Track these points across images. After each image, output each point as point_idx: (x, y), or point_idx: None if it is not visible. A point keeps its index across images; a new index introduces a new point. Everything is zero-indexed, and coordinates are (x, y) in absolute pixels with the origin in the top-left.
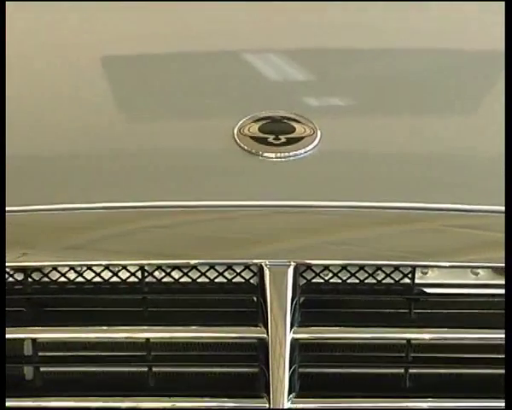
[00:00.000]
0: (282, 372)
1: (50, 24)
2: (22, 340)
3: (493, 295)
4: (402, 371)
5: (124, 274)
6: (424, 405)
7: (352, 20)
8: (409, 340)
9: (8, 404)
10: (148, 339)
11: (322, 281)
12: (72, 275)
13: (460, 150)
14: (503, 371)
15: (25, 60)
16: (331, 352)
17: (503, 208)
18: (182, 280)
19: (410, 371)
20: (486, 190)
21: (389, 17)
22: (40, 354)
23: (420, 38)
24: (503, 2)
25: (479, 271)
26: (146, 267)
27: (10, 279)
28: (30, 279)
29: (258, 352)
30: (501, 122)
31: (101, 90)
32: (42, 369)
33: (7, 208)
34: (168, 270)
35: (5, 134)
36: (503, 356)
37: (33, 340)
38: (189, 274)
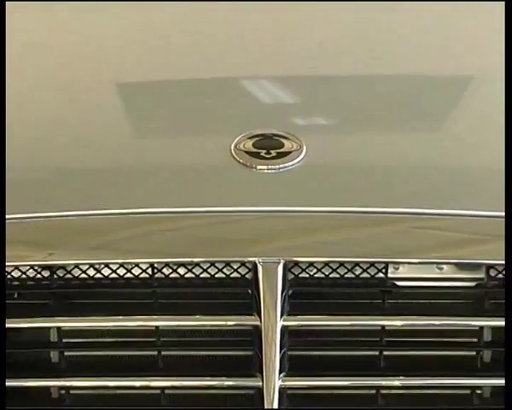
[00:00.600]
0: (273, 355)
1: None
2: (49, 329)
3: (455, 287)
4: (377, 353)
5: (136, 271)
6: (396, 382)
7: (336, 45)
8: (383, 326)
9: (37, 384)
10: (157, 327)
11: (307, 276)
12: (91, 272)
13: (429, 162)
14: (463, 352)
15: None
16: (316, 337)
17: (463, 211)
18: (186, 276)
19: (384, 353)
20: (450, 197)
21: (371, 39)
22: (64, 340)
23: (401, 59)
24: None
25: (443, 266)
26: (155, 265)
27: (38, 276)
28: (55, 276)
29: (253, 337)
30: (467, 137)
31: (111, 111)
32: (66, 353)
33: (35, 214)
34: (175, 267)
35: (5, 135)
36: (464, 339)
37: (58, 328)
38: (193, 271)
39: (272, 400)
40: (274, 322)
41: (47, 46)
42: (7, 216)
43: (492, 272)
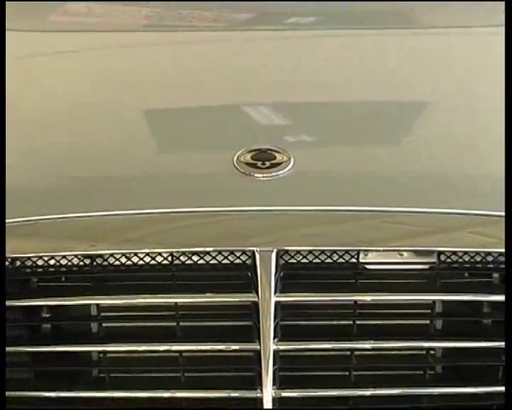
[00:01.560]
0: (268, 324)
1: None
2: (89, 305)
3: (413, 270)
4: (351, 322)
5: (159, 259)
6: (367, 345)
7: (318, 75)
8: (355, 301)
9: (81, 349)
10: (176, 303)
11: (295, 261)
12: (123, 260)
13: (397, 169)
14: (419, 321)
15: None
16: (303, 310)
17: (419, 209)
18: (199, 262)
19: (357, 322)
20: (411, 197)
21: (351, 68)
22: (102, 314)
23: (378, 84)
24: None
25: (403, 253)
26: (174, 254)
27: (81, 263)
28: (95, 263)
29: (252, 311)
30: (433, 149)
31: (133, 131)
32: (103, 324)
33: (78, 214)
34: (190, 255)
35: (5, 135)
36: (420, 311)
37: (97, 305)
38: (204, 258)
39: (268, 360)
40: (269, 298)
41: (73, 73)
42: (58, 215)
43: (442, 257)
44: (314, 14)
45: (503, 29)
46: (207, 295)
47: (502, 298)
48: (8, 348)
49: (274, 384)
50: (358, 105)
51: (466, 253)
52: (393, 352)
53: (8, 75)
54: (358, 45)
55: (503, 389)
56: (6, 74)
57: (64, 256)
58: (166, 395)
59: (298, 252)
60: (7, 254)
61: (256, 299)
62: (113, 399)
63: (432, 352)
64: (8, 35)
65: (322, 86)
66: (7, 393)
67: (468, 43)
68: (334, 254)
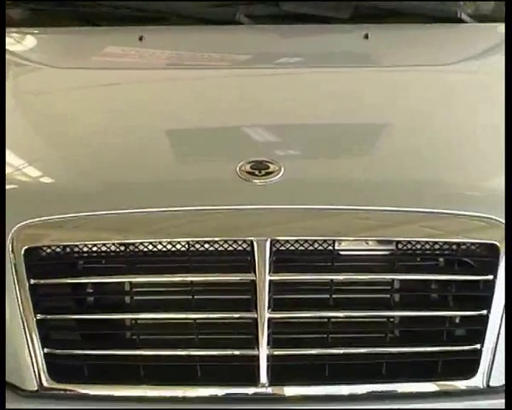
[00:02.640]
0: (263, 298)
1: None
2: (124, 282)
3: (376, 255)
4: (328, 296)
5: (178, 246)
6: (340, 314)
7: (305, 102)
8: (331, 279)
9: (117, 317)
10: (192, 281)
11: (285, 248)
12: (150, 247)
13: (366, 175)
14: (381, 295)
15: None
16: (291, 286)
17: (382, 207)
18: (210, 249)
19: (333, 296)
20: (378, 197)
21: (333, 98)
22: (133, 289)
23: (353, 107)
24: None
25: (369, 242)
26: (190, 242)
27: (117, 249)
28: (128, 249)
29: (251, 287)
30: (399, 159)
31: (159, 148)
32: (134, 297)
33: (114, 211)
34: (202, 243)
35: (5, 136)
36: (382, 287)
37: (130, 282)
38: (214, 246)
39: (263, 326)
40: (264, 277)
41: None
42: (99, 212)
43: (400, 245)
44: (299, 55)
45: (456, 65)
46: (216, 274)
47: (445, 277)
48: (59, 316)
49: (268, 345)
50: (335, 127)
51: (418, 242)
52: (361, 319)
53: (61, 102)
54: (335, 79)
55: (446, 348)
56: (60, 102)
57: (104, 244)
58: (183, 353)
59: (287, 241)
60: (60, 243)
61: (254, 278)
62: (141, 356)
63: (391, 320)
64: (61, 72)
65: (307, 112)
66: (60, 351)
67: (425, 77)
68: (315, 243)
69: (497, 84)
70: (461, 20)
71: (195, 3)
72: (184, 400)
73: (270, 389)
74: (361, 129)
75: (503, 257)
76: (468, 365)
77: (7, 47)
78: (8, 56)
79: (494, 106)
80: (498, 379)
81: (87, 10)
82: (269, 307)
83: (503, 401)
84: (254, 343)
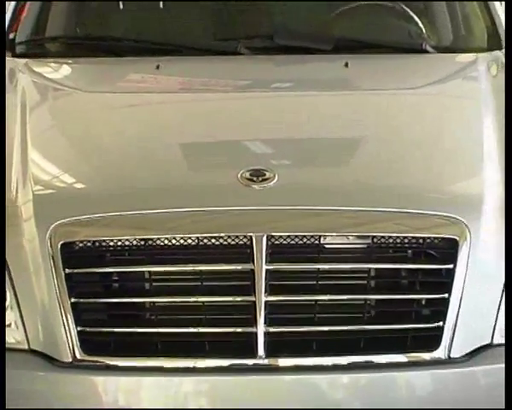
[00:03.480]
0: (261, 283)
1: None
2: (143, 271)
3: (356, 248)
4: (315, 282)
5: (189, 241)
6: (326, 297)
7: (298, 122)
8: (318, 269)
9: (138, 300)
10: (201, 270)
11: (279, 243)
12: (165, 241)
13: (350, 181)
14: (360, 281)
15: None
16: (284, 274)
17: (360, 208)
18: (216, 243)
19: (319, 282)
20: (357, 200)
21: (323, 119)
22: (152, 277)
23: (337, 124)
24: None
25: (349, 237)
26: (199, 237)
27: (138, 243)
28: (147, 243)
29: (250, 275)
30: (380, 169)
31: (172, 160)
32: (153, 284)
33: (135, 211)
34: (210, 238)
35: (5, 136)
36: (361, 275)
37: (149, 271)
38: (220, 240)
39: (261, 307)
40: (261, 267)
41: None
42: (123, 212)
43: (375, 240)
44: (290, 81)
45: (422, 89)
46: (221, 264)
47: (413, 266)
48: (90, 300)
49: (264, 323)
50: (320, 140)
51: (390, 237)
52: (343, 302)
53: (90, 121)
54: (320, 101)
55: (414, 326)
56: (89, 120)
57: (127, 239)
58: (194, 330)
59: (280, 236)
60: (91, 238)
61: (253, 267)
62: (158, 333)
63: (368, 302)
64: (91, 95)
65: (296, 128)
66: (90, 329)
67: (397, 98)
68: (304, 238)
69: (456, 103)
70: (426, 51)
71: (204, 37)
72: (195, 370)
73: (266, 361)
74: (342, 142)
75: (462, 249)
76: (432, 339)
77: (46, 75)
78: (46, 82)
79: (455, 122)
80: (458, 351)
81: (113, 44)
82: (265, 292)
83: (463, 369)
84: (253, 322)
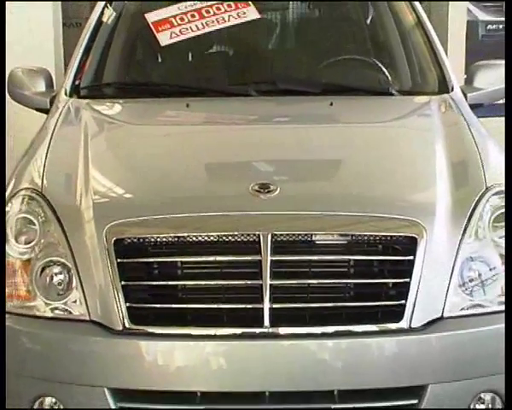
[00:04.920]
0: (266, 270)
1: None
2: (177, 261)
3: (338, 243)
4: (308, 270)
5: (210, 238)
6: (315, 281)
7: (296, 147)
8: (309, 260)
9: (173, 283)
10: (221, 260)
11: (280, 239)
12: (194, 238)
13: (338, 192)
14: (342, 269)
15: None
16: (284, 264)
17: (343, 213)
18: (231, 240)
19: (312, 270)
20: (342, 207)
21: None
22: (183, 265)
23: (327, 149)
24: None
25: (334, 235)
26: (219, 235)
27: (173, 240)
28: (179, 240)
29: (258, 264)
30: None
31: (192, 173)
32: (184, 271)
33: (169, 215)
34: (227, 236)
35: (5, 135)
36: (342, 264)
37: (181, 261)
38: (234, 238)
39: (266, 289)
40: (267, 257)
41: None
42: (160, 215)
43: (354, 237)
44: (288, 116)
45: (389, 122)
46: (236, 256)
47: (383, 258)
48: (136, 282)
49: (269, 301)
50: (312, 161)
51: (365, 235)
52: (329, 285)
53: (136, 146)
54: (311, 131)
55: (383, 303)
56: (136, 146)
57: (164, 236)
58: (215, 306)
59: (282, 234)
60: (137, 235)
61: (260, 258)
62: (188, 308)
63: (348, 285)
64: (136, 127)
65: (294, 152)
66: (136, 305)
67: (370, 129)
68: (300, 236)
69: (415, 134)
70: (391, 94)
71: (223, 83)
72: (215, 336)
73: (270, 330)
74: (328, 163)
75: (420, 244)
76: (397, 313)
77: (103, 111)
78: (103, 117)
79: (414, 147)
80: (417, 322)
81: (153, 88)
82: (270, 277)
83: (420, 336)
84: (260, 300)
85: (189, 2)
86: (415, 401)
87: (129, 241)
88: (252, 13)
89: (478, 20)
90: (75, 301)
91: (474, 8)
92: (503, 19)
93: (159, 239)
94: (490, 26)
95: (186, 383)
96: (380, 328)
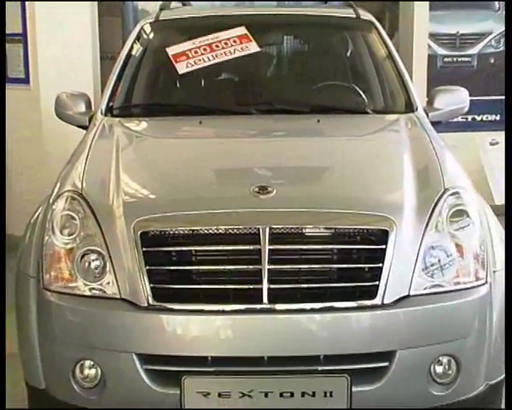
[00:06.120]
0: (265, 257)
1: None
2: (191, 250)
3: (325, 235)
4: (300, 256)
5: (219, 230)
6: (305, 266)
7: (289, 156)
8: (301, 248)
9: (187, 268)
10: (227, 249)
11: (276, 232)
12: (205, 231)
13: (322, 194)
14: (327, 256)
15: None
16: (280, 251)
17: (330, 210)
18: (236, 233)
19: (302, 256)
20: (328, 205)
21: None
22: (197, 253)
23: (315, 158)
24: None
25: (321, 228)
26: (226, 228)
27: (188, 232)
28: (193, 232)
29: (258, 252)
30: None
31: (200, 177)
32: (197, 258)
33: (185, 212)
34: (232, 228)
35: (5, 138)
36: (327, 251)
37: (195, 249)
38: (239, 230)
39: (265, 273)
40: (265, 246)
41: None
42: (178, 212)
43: (337, 230)
44: (283, 131)
45: (365, 136)
46: (240, 245)
47: (360, 246)
48: (158, 267)
49: (268, 282)
50: (303, 168)
51: (346, 228)
52: (316, 269)
53: (158, 155)
54: (301, 143)
55: (360, 284)
56: (158, 155)
57: (181, 229)
58: (223, 286)
59: (278, 228)
60: (158, 229)
61: (260, 247)
62: (201, 288)
63: (332, 269)
64: (158, 140)
65: (287, 160)
66: (158, 285)
67: (350, 142)
68: (292, 228)
69: (387, 145)
70: (367, 113)
71: (230, 104)
72: (223, 311)
73: (268, 306)
74: (316, 169)
75: (391, 236)
76: (372, 292)
77: (131, 127)
78: (131, 132)
79: (386, 157)
80: (388, 299)
81: (172, 108)
82: (268, 263)
83: (391, 310)
84: (260, 282)
85: (201, 38)
86: (386, 364)
87: (152, 233)
88: (253, 47)
89: (437, 54)
90: (108, 283)
91: (434, 45)
92: (457, 53)
93: (176, 232)
94: (446, 59)
95: (199, 349)
96: (358, 304)
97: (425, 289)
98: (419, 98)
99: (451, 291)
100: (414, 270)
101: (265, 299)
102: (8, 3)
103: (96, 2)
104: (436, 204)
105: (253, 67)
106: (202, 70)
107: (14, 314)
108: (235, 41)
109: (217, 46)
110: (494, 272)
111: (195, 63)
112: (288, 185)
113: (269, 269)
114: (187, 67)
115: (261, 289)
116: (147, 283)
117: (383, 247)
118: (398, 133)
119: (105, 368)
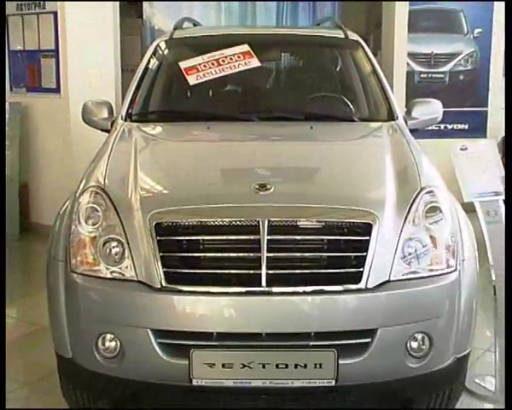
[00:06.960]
0: (264, 246)
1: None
2: (199, 239)
3: (317, 227)
4: (295, 246)
5: (223, 222)
6: (299, 254)
7: (286, 158)
8: (295, 239)
9: (195, 254)
10: (230, 239)
11: (273, 224)
12: (211, 222)
13: (316, 192)
14: (319, 246)
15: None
16: (278, 241)
17: (322, 206)
18: (238, 224)
19: (296, 246)
20: (320, 201)
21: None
22: (204, 241)
23: (309, 159)
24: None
25: (313, 221)
26: (230, 220)
27: (197, 224)
28: (201, 223)
29: (257, 242)
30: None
31: (206, 176)
32: (205, 245)
33: (193, 206)
34: (235, 221)
35: (5, 134)
36: (319, 242)
37: (203, 239)
38: (241, 222)
39: (264, 260)
40: (264, 237)
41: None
42: (188, 206)
43: (327, 223)
44: (280, 135)
45: (353, 141)
46: (241, 235)
47: (347, 237)
48: (170, 254)
49: (266, 268)
50: (297, 168)
51: (335, 221)
52: (309, 257)
53: (170, 156)
54: (296, 146)
55: (347, 270)
56: (170, 156)
57: (190, 221)
58: (226, 271)
59: (275, 220)
60: (171, 220)
61: (259, 237)
62: (207, 273)
63: (323, 257)
64: (170, 142)
65: (284, 161)
66: (170, 269)
67: (340, 146)
68: (288, 221)
69: (371, 149)
70: (354, 121)
71: (234, 111)
72: (227, 293)
73: (266, 289)
74: (310, 169)
75: (374, 228)
76: (357, 277)
77: (148, 131)
78: (147, 135)
79: (370, 159)
80: (371, 284)
81: (183, 115)
82: (266, 251)
83: (373, 294)
84: (259, 268)
85: (209, 54)
86: (368, 340)
87: (165, 224)
88: (255, 62)
89: (414, 70)
90: (127, 267)
91: (412, 62)
92: (432, 70)
93: (187, 223)
94: (422, 75)
95: (206, 325)
96: (344, 288)
97: (403, 275)
98: (399, 108)
99: (426, 277)
100: (394, 258)
101: (264, 282)
102: (43, 24)
103: (119, 22)
104: (413, 201)
105: (255, 80)
106: (210, 82)
107: (45, 294)
108: (239, 57)
109: (223, 61)
110: (463, 260)
111: (204, 76)
112: (285, 183)
113: (267, 256)
114: (197, 79)
115: (260, 274)
116: (160, 267)
117: (367, 238)
118: (381, 139)
119: (123, 341)
